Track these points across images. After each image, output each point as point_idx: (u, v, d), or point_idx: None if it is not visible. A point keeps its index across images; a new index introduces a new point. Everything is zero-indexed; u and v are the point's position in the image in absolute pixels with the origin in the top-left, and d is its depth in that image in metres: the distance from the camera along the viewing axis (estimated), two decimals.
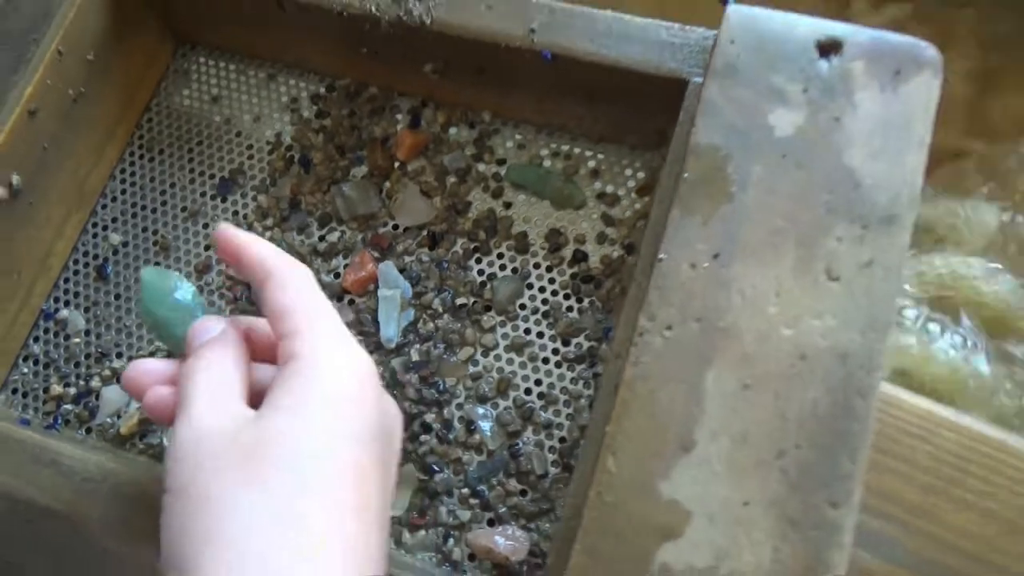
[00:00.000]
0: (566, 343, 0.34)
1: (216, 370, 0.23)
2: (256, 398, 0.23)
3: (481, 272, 0.36)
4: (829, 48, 0.27)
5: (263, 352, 0.26)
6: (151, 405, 0.24)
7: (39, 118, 0.34)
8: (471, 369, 0.34)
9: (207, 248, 0.38)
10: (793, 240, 0.25)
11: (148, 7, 0.38)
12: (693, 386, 0.24)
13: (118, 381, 0.36)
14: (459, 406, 0.34)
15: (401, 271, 0.36)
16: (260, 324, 0.26)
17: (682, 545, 0.23)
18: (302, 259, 0.36)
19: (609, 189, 0.36)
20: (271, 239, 0.37)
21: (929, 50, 0.27)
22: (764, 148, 0.26)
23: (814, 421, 0.24)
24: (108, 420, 0.35)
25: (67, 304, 0.37)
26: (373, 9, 0.33)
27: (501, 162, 0.37)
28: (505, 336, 0.35)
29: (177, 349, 0.27)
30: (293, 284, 0.24)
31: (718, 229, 0.26)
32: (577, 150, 0.37)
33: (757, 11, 0.28)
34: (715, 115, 0.27)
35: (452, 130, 0.38)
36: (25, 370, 0.37)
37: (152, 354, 0.36)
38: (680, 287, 0.25)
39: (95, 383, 0.36)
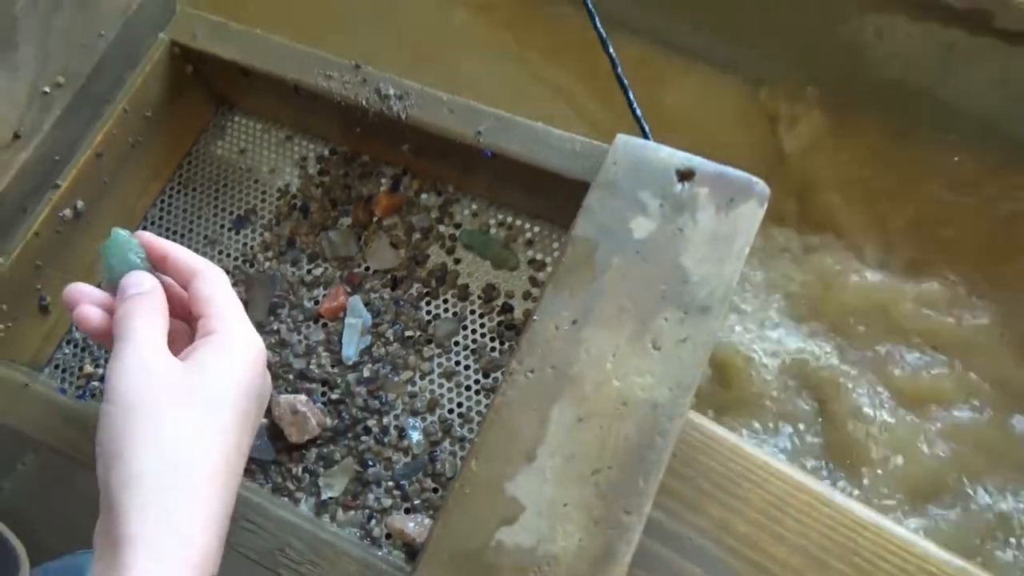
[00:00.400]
0: (486, 375, 0.43)
1: (153, 317, 0.32)
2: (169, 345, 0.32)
3: (429, 312, 0.45)
4: (685, 175, 0.36)
5: (173, 309, 0.35)
6: (80, 318, 0.34)
7: (103, 159, 0.44)
8: (409, 388, 0.43)
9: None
10: (632, 316, 0.34)
11: (197, 77, 0.48)
12: (542, 415, 0.33)
13: None
14: (396, 416, 0.43)
15: (366, 304, 0.45)
16: (172, 286, 0.35)
17: (515, 529, 0.32)
18: (291, 287, 0.46)
19: (539, 256, 0.45)
20: (269, 267, 0.47)
21: (759, 185, 0.36)
22: (624, 245, 0.35)
23: (624, 451, 0.32)
24: None
25: None
26: (363, 103, 0.43)
27: (457, 226, 0.47)
28: (440, 365, 0.44)
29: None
30: (216, 280, 0.34)
31: (580, 302, 0.35)
32: (518, 222, 0.46)
33: (638, 141, 0.37)
34: (592, 216, 0.36)
35: (423, 196, 0.47)
36: (67, 351, 0.47)
37: None
38: (544, 342, 0.34)
39: None
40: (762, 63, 0.65)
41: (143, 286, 0.34)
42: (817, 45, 0.60)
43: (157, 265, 0.35)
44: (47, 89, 0.42)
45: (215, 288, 0.34)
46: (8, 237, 0.42)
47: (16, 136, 0.41)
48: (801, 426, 0.57)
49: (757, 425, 0.59)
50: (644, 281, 0.35)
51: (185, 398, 0.30)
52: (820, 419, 0.57)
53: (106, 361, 0.46)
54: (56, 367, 0.47)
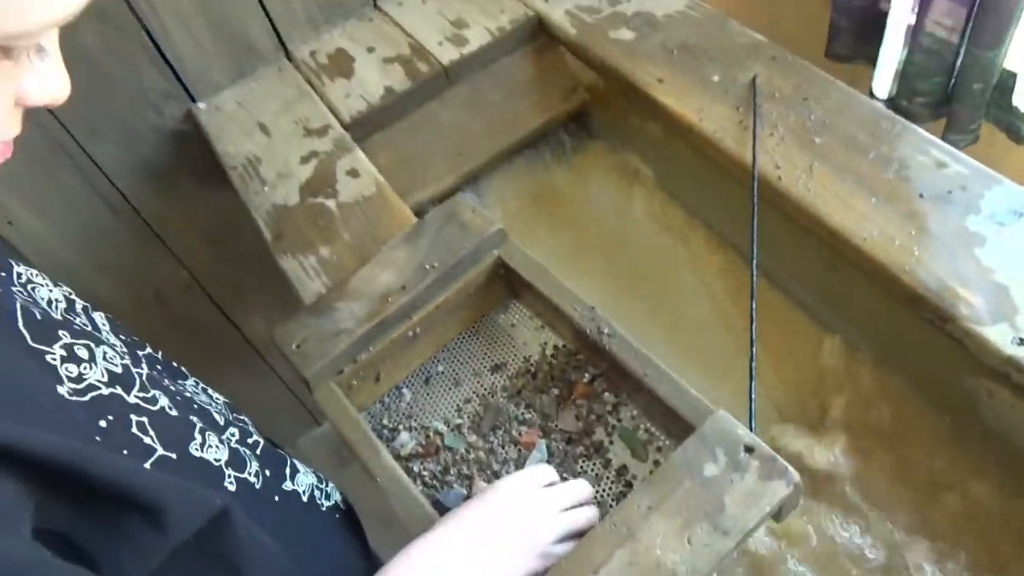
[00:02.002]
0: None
1: None
2: None
3: (582, 467, 0.70)
4: (749, 449, 0.59)
5: None
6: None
7: (439, 311, 0.77)
8: None
9: None
10: (683, 519, 0.57)
11: (504, 278, 0.80)
12: (610, 553, 0.57)
13: None
14: None
15: (548, 447, 0.72)
16: None
17: None
18: (508, 419, 0.74)
19: (662, 459, 0.69)
20: (503, 401, 0.76)
21: (792, 474, 0.57)
22: (695, 475, 0.59)
23: None
24: None
25: None
26: (588, 331, 0.71)
27: (620, 420, 0.72)
28: None
29: None
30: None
31: (658, 497, 0.58)
32: (656, 433, 0.70)
33: (729, 419, 0.61)
34: (685, 451, 0.60)
35: (606, 394, 0.73)
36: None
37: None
38: (629, 510, 0.58)
39: None
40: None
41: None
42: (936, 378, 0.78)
43: None
44: (427, 266, 0.76)
45: None
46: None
47: (403, 287, 0.75)
48: None
49: None
50: (698, 501, 0.58)
51: None
52: None
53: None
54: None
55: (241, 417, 0.68)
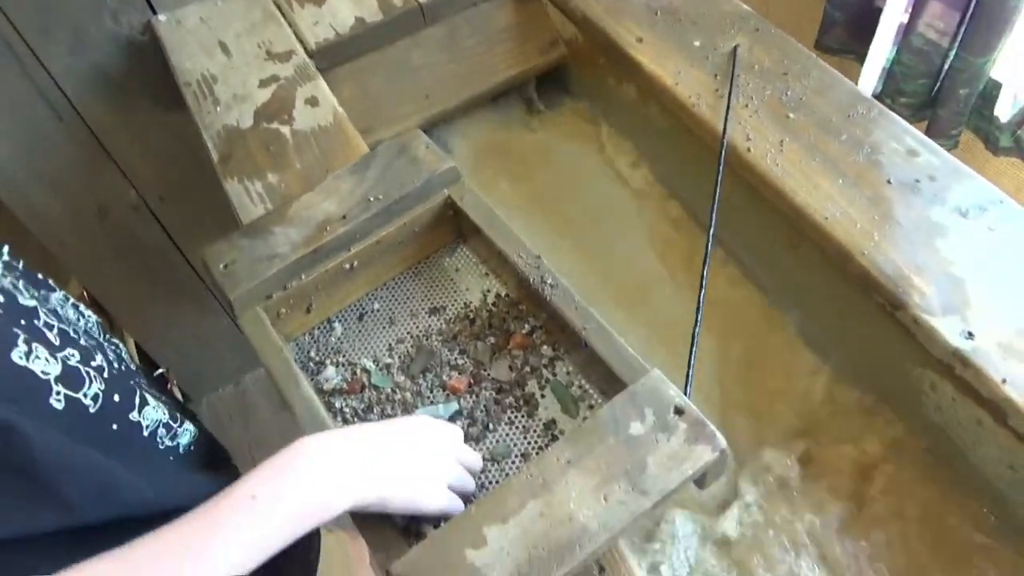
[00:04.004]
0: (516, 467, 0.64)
1: None
2: None
3: (509, 418, 0.67)
4: (678, 411, 0.56)
5: None
6: None
7: (379, 245, 0.73)
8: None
9: None
10: (602, 476, 0.54)
11: (453, 219, 0.76)
12: (523, 501, 0.54)
13: None
14: None
15: (475, 396, 0.69)
16: None
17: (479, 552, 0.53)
18: (440, 363, 0.71)
19: None
20: (435, 345, 0.72)
21: (720, 440, 0.55)
22: (620, 432, 0.56)
23: (555, 543, 0.52)
24: None
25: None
26: (531, 280, 0.68)
27: (555, 374, 0.69)
28: (493, 443, 0.66)
29: None
30: None
31: (580, 452, 0.56)
32: (589, 391, 0.67)
33: (662, 380, 0.58)
34: (613, 408, 0.57)
35: (544, 348, 0.71)
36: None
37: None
38: (548, 463, 0.55)
39: None
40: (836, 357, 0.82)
41: None
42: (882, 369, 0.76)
43: None
44: (371, 198, 0.73)
45: None
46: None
47: (343, 217, 0.72)
48: None
49: None
50: (619, 459, 0.55)
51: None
52: None
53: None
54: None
55: (112, 340, 0.65)
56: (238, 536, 0.46)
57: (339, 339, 0.74)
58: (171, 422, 0.61)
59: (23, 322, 0.50)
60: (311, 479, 0.50)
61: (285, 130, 0.92)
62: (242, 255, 0.71)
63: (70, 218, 1.17)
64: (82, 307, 0.66)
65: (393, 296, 0.77)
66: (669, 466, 0.54)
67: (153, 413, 0.58)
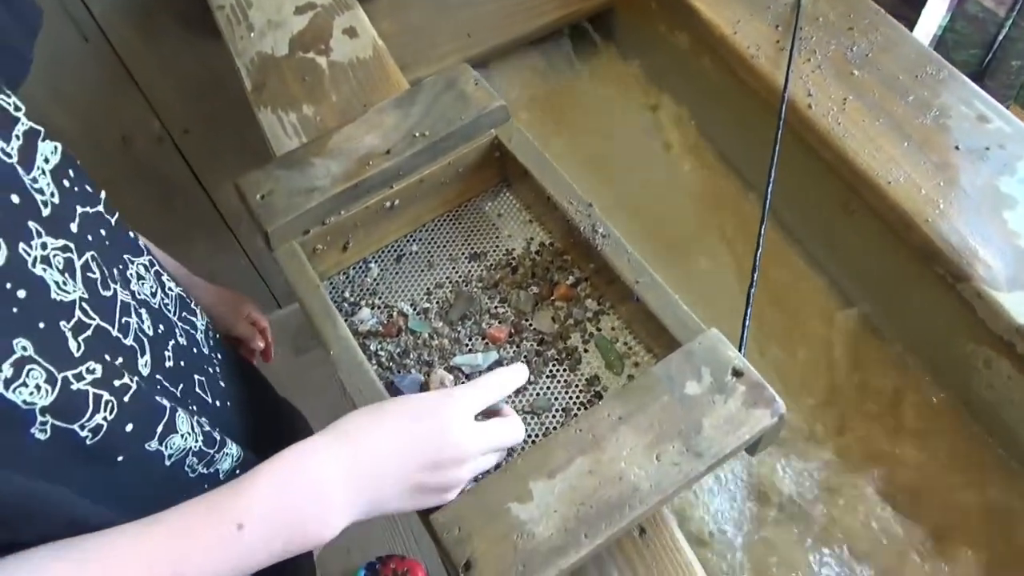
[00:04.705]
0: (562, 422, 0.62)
1: None
2: None
3: (552, 371, 0.65)
4: (737, 373, 0.54)
5: None
6: None
7: (423, 184, 0.70)
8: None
9: None
10: (655, 434, 0.52)
11: (499, 160, 0.73)
12: (570, 457, 0.52)
13: None
14: None
15: (516, 347, 0.66)
16: None
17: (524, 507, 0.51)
18: (480, 310, 0.68)
19: (635, 375, 0.64)
20: (476, 291, 0.70)
21: (779, 405, 0.52)
22: (675, 391, 0.54)
23: (605, 502, 0.50)
24: None
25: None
26: (581, 229, 0.65)
27: (599, 330, 0.66)
28: (532, 396, 0.63)
29: None
30: None
31: (632, 408, 0.53)
32: (637, 347, 0.65)
33: (721, 339, 0.55)
34: (668, 365, 0.55)
35: (588, 301, 0.68)
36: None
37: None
38: (598, 419, 0.53)
39: None
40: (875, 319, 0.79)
41: None
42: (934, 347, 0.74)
43: None
44: (416, 134, 0.69)
45: None
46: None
47: (387, 152, 0.68)
48: None
49: None
50: (674, 419, 0.53)
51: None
52: None
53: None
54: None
55: (189, 319, 0.64)
56: (214, 568, 0.42)
57: (375, 280, 0.72)
58: (206, 448, 0.56)
59: (42, 324, 0.43)
60: (303, 518, 0.46)
61: (322, 60, 0.88)
62: (279, 186, 0.68)
63: (91, 143, 1.13)
64: (165, 277, 0.62)
65: (432, 239, 0.74)
66: (726, 429, 0.52)
67: (180, 442, 0.53)
